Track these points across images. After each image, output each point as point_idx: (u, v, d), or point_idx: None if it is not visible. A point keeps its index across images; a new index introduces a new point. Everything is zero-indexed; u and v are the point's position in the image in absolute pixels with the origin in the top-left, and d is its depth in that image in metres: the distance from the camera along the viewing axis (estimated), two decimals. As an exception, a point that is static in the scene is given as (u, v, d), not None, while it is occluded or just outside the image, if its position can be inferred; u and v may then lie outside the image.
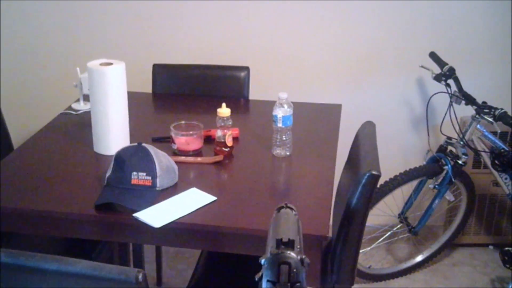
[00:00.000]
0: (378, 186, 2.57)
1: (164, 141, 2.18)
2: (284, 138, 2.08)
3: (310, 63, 3.03)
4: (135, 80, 2.93)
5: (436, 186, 2.69)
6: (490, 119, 2.52)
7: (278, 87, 3.07)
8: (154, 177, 1.79)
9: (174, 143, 2.09)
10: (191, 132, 2.08)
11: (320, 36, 2.98)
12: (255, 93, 2.86)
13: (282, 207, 1.25)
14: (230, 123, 2.09)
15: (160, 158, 1.84)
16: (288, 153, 2.10)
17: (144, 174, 1.79)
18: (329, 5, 2.91)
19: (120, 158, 1.81)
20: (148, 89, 2.82)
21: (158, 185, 1.80)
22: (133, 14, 3.04)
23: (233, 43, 3.04)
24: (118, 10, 3.03)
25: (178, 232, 1.71)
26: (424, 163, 2.76)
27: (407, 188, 2.78)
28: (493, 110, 2.52)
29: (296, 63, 3.04)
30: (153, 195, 1.78)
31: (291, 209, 1.25)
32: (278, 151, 2.09)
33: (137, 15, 3.04)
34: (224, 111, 2.07)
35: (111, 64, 2.02)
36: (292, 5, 2.94)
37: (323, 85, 3.06)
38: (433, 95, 2.80)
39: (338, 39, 2.98)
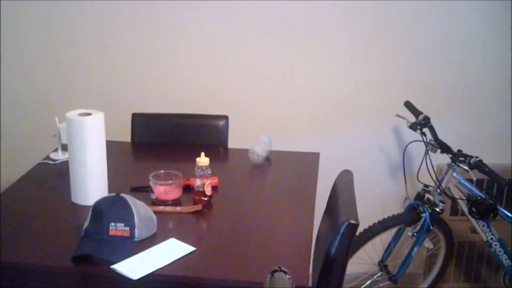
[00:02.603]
0: (357, 234, 2.58)
1: (143, 191, 2.17)
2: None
3: (288, 111, 3.07)
4: (114, 129, 2.93)
5: (415, 233, 2.70)
6: (466, 167, 2.55)
7: (257, 136, 3.09)
8: (132, 227, 1.78)
9: (153, 192, 2.08)
10: (169, 181, 2.08)
11: (298, 84, 3.03)
12: (234, 142, 2.88)
13: (276, 270, 1.21)
14: (209, 172, 2.09)
15: (139, 208, 1.83)
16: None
17: (122, 224, 1.77)
18: (306, 54, 2.97)
19: (98, 209, 1.80)
20: (127, 138, 2.83)
21: (136, 235, 1.79)
22: (111, 63, 3.06)
23: (212, 92, 3.07)
24: (96, 60, 3.06)
25: (156, 283, 1.68)
26: (402, 210, 2.78)
27: (387, 236, 2.79)
28: (468, 158, 2.56)
29: (274, 112, 3.08)
30: (131, 246, 1.76)
31: (285, 272, 1.21)
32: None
33: (116, 64, 3.06)
34: (202, 160, 2.08)
35: (89, 114, 2.02)
36: (270, 54, 2.99)
37: (301, 133, 3.10)
38: (409, 143, 2.85)
39: (316, 88, 3.03)
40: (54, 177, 2.33)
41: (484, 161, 2.52)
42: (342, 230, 1.66)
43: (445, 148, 2.64)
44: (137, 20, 2.99)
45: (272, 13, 2.93)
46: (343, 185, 1.96)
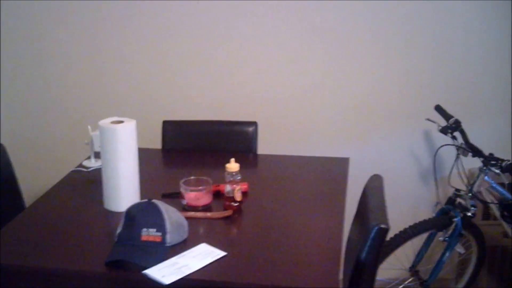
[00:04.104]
0: (388, 239, 2.57)
1: (174, 197, 2.20)
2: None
3: (317, 116, 3.07)
4: (145, 136, 2.98)
5: (446, 238, 2.68)
6: (497, 171, 2.53)
7: (286, 141, 3.11)
8: (164, 233, 1.81)
9: (184, 198, 2.11)
10: (200, 187, 2.10)
11: (327, 89, 3.03)
12: (263, 148, 2.89)
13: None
14: (239, 177, 2.11)
15: (170, 214, 1.85)
16: None
17: (154, 230, 1.80)
18: (336, 59, 2.97)
19: (130, 214, 1.83)
20: (158, 145, 2.87)
21: (168, 241, 1.81)
22: (142, 72, 3.11)
23: (241, 98, 3.09)
24: (128, 68, 3.11)
25: (188, 288, 1.71)
26: (433, 215, 2.76)
27: (418, 241, 2.77)
28: (499, 162, 2.53)
29: (303, 117, 3.08)
30: (163, 251, 1.78)
31: None
32: None
33: (146, 73, 3.11)
34: (232, 166, 2.10)
35: (121, 122, 2.06)
36: (299, 60, 3.00)
37: (330, 138, 3.10)
38: (440, 147, 2.83)
39: (345, 93, 3.03)
40: (87, 184, 2.38)
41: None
42: (372, 234, 1.66)
43: (476, 152, 2.61)
44: (166, 28, 3.03)
45: (299, 17, 2.94)
46: (373, 190, 1.96)
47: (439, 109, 2.81)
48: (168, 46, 3.06)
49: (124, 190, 2.08)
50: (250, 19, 2.96)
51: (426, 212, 3.12)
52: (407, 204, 3.16)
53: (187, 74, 3.09)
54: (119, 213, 2.03)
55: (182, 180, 2.13)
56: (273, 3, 2.92)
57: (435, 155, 2.94)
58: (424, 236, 2.77)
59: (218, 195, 2.19)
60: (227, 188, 2.09)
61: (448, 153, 2.92)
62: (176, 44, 3.05)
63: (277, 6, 2.93)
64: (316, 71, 3.01)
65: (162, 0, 2.98)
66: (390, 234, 2.60)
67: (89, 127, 2.56)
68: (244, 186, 2.24)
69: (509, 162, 2.50)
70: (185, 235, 1.89)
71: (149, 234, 1.80)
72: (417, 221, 2.67)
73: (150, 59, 3.08)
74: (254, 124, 2.80)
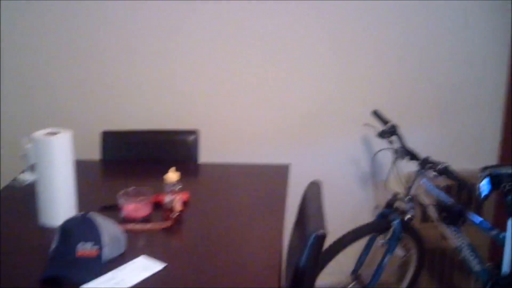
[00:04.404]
0: (329, 244, 2.59)
1: (113, 209, 2.15)
2: None
3: (258, 123, 3.09)
4: (84, 147, 2.91)
5: (386, 242, 2.72)
6: (433, 174, 2.59)
7: (228, 149, 3.10)
8: (100, 247, 1.77)
9: (123, 210, 2.07)
10: (138, 198, 2.07)
11: (267, 96, 3.05)
12: (205, 156, 2.88)
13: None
14: (178, 187, 2.09)
15: (107, 227, 1.82)
16: None
17: (90, 244, 1.76)
18: (274, 66, 2.99)
19: (65, 229, 1.78)
20: (97, 155, 2.81)
21: (105, 255, 1.77)
22: (79, 81, 3.05)
23: (181, 106, 3.07)
24: (64, 78, 3.04)
25: (126, 302, 1.67)
26: (373, 219, 2.81)
27: (359, 245, 2.80)
28: (435, 165, 2.59)
29: (245, 124, 3.09)
30: (100, 266, 1.75)
31: None
32: None
33: (84, 81, 3.05)
34: (171, 175, 2.08)
35: (57, 133, 2.01)
36: (239, 67, 3.00)
37: (271, 144, 3.11)
38: (377, 151, 2.88)
39: (284, 99, 3.05)
40: (22, 198, 2.31)
41: (454, 167, 2.56)
42: (310, 241, 1.67)
43: (412, 155, 2.67)
44: (104, 38, 2.98)
45: (241, 26, 2.95)
46: (311, 197, 1.97)
47: (376, 114, 2.86)
48: (106, 55, 3.01)
49: (59, 204, 2.03)
50: (188, 26, 2.95)
51: (366, 216, 3.17)
52: (348, 209, 3.20)
53: (125, 83, 3.05)
54: (55, 228, 1.98)
55: (121, 192, 2.10)
56: (210, 12, 2.92)
57: (372, 159, 2.99)
58: (365, 240, 2.82)
59: (158, 206, 2.17)
60: (167, 198, 2.07)
61: (387, 157, 2.97)
62: (113, 53, 3.01)
63: (217, 14, 2.93)
64: (255, 77, 3.02)
65: (98, 14, 2.94)
66: (331, 240, 2.63)
67: (24, 139, 2.49)
68: (184, 195, 2.22)
69: (444, 165, 2.57)
70: (123, 248, 1.86)
71: (85, 248, 1.76)
72: (357, 226, 2.70)
73: (87, 67, 3.03)
74: (194, 132, 2.78)
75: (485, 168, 2.42)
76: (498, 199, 3.10)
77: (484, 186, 2.38)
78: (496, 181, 2.38)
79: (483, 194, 2.39)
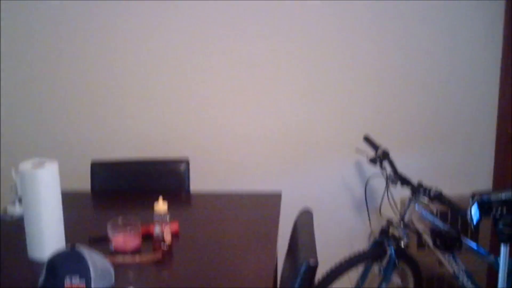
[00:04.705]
0: (324, 272, 2.56)
1: (102, 241, 2.12)
2: None
3: (250, 151, 3.06)
4: (74, 177, 2.89)
5: (382, 270, 2.68)
6: (426, 200, 2.56)
7: (219, 178, 3.08)
8: (88, 281, 1.73)
9: (112, 242, 2.04)
10: (128, 230, 2.04)
11: (257, 123, 3.03)
12: (197, 185, 2.85)
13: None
14: (168, 218, 2.06)
15: (95, 260, 1.78)
16: None
17: (78, 279, 1.72)
18: (264, 92, 2.99)
19: (52, 263, 1.74)
20: (88, 186, 2.78)
21: (93, 289, 1.74)
22: (68, 110, 3.03)
23: (172, 135, 3.05)
24: (53, 107, 3.03)
25: (114, 337, 1.63)
26: (368, 246, 2.77)
27: (354, 274, 2.76)
28: (428, 191, 2.57)
29: (236, 152, 3.07)
30: (88, 300, 1.71)
31: None
32: None
33: (75, 111, 3.03)
34: (160, 206, 2.05)
35: (44, 163, 1.98)
36: (229, 94, 2.99)
37: (263, 171, 3.09)
38: (369, 178, 2.85)
39: (276, 126, 3.03)
40: (11, 231, 2.27)
41: (448, 191, 2.53)
42: (301, 271, 1.64)
43: (405, 181, 2.65)
44: (92, 67, 2.98)
45: (228, 55, 2.95)
46: (302, 226, 1.95)
47: (367, 139, 2.84)
48: (94, 83, 3.00)
49: (47, 237, 1.99)
50: (176, 57, 2.95)
51: (361, 244, 3.13)
52: (342, 235, 3.17)
53: (116, 111, 3.04)
54: (43, 262, 1.94)
55: (109, 223, 2.06)
56: (198, 42, 2.92)
57: (365, 185, 2.96)
58: (360, 268, 2.78)
59: (148, 237, 2.13)
60: (156, 229, 2.03)
61: (379, 183, 2.95)
62: (102, 80, 3.00)
63: (205, 45, 2.93)
64: (246, 105, 3.01)
65: (86, 44, 2.94)
66: (327, 268, 2.59)
67: (13, 170, 2.46)
68: (174, 226, 2.19)
69: (437, 191, 2.54)
70: (111, 281, 1.82)
71: (73, 282, 1.72)
72: (352, 253, 2.67)
73: (75, 96, 3.02)
74: (184, 161, 2.76)
75: (475, 194, 2.40)
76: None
77: (474, 212, 2.35)
78: (486, 207, 2.35)
79: (474, 221, 2.35)
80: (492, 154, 3.09)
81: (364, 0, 2.86)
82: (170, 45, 2.95)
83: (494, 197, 2.35)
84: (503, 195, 2.34)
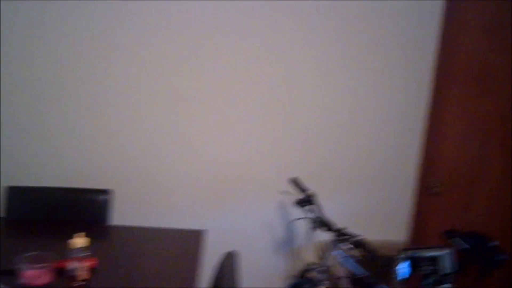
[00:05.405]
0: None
1: (11, 274, 2.00)
2: None
3: (175, 186, 3.01)
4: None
5: (298, 314, 2.67)
6: (348, 246, 2.58)
7: (141, 211, 3.00)
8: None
9: (21, 276, 1.93)
10: (38, 265, 1.93)
11: (184, 157, 2.99)
12: (119, 218, 2.76)
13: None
14: (85, 253, 1.97)
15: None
16: None
17: (-19, 317, 1.61)
18: (191, 127, 2.95)
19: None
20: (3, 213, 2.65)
21: (-3, 328, 1.63)
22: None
23: (94, 165, 2.96)
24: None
25: None
26: (287, 289, 2.76)
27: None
28: (350, 237, 2.59)
29: (160, 187, 3.00)
30: None
31: None
32: None
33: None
34: (77, 241, 1.96)
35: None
36: (156, 128, 2.94)
37: (189, 208, 3.03)
38: (292, 220, 2.85)
39: (203, 162, 3.00)
40: None
41: (371, 237, 2.56)
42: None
43: (328, 226, 2.66)
44: (16, 90, 2.86)
45: (146, 89, 2.90)
46: (226, 269, 1.91)
47: (294, 182, 2.85)
48: (13, 107, 2.88)
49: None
50: (94, 84, 2.88)
51: (280, 285, 3.11)
52: (264, 276, 3.14)
53: (34, 136, 2.92)
54: None
55: (20, 256, 1.95)
56: (132, 70, 2.87)
57: (288, 227, 2.96)
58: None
59: (61, 272, 2.03)
60: (71, 265, 1.94)
61: (302, 225, 2.95)
62: (22, 105, 2.88)
63: (125, 69, 2.88)
64: (173, 138, 2.97)
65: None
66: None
67: None
68: (92, 261, 2.10)
69: (359, 238, 2.57)
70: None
71: (-25, 321, 1.61)
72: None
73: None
74: (106, 192, 2.67)
75: (405, 250, 2.44)
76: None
77: (403, 268, 2.39)
78: (414, 263, 2.40)
79: (401, 277, 2.40)
80: (409, 203, 3.17)
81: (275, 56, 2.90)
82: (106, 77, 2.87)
83: (423, 253, 2.41)
84: (432, 253, 2.41)
